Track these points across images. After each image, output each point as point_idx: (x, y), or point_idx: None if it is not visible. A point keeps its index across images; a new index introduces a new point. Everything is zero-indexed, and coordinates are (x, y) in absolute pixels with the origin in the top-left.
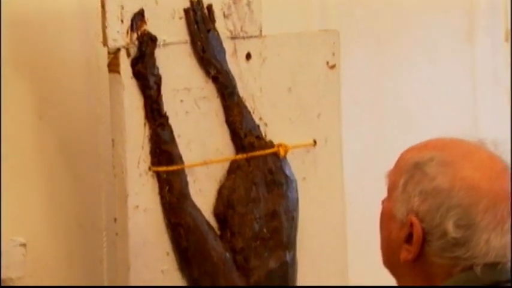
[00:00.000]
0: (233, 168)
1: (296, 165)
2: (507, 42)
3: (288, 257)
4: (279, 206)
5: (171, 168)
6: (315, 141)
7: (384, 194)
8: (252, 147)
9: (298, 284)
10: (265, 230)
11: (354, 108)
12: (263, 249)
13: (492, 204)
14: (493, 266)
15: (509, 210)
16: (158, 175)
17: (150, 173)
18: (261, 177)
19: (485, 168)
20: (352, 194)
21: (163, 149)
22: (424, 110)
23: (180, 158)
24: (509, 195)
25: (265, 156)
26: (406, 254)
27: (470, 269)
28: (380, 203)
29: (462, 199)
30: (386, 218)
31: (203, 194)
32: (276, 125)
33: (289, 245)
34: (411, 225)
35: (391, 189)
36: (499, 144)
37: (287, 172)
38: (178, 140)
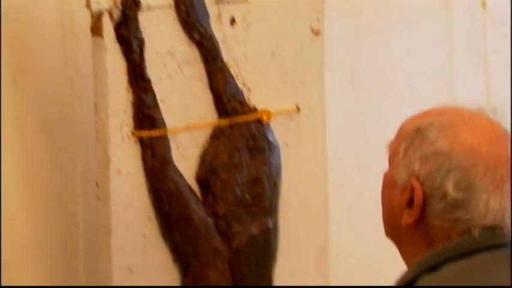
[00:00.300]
0: (216, 134)
1: (279, 132)
2: (484, 8)
3: (270, 223)
4: (261, 172)
5: (153, 133)
6: (298, 108)
7: (365, 160)
8: (235, 113)
9: (279, 249)
10: (247, 196)
11: (333, 75)
12: (245, 215)
13: (491, 167)
14: (491, 229)
15: (509, 173)
16: (141, 140)
17: (133, 137)
18: (243, 143)
19: (485, 132)
20: (334, 161)
21: (146, 114)
22: (401, 75)
23: (163, 122)
24: (509, 159)
25: (248, 122)
26: (407, 218)
27: (469, 232)
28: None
29: (462, 161)
30: (388, 186)
31: (186, 159)
32: (259, 91)
33: (271, 211)
34: (412, 189)
35: (392, 156)
36: (498, 111)
37: (270, 138)
38: (161, 105)
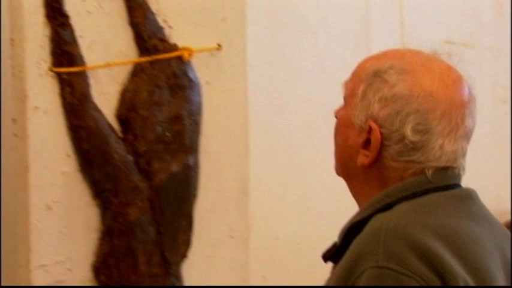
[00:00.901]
0: (136, 71)
1: (200, 69)
2: None
3: (191, 161)
4: (182, 110)
5: (72, 69)
6: (219, 45)
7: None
8: (156, 50)
9: (200, 186)
10: (167, 134)
11: (254, 13)
12: (165, 153)
13: (448, 111)
14: (443, 169)
15: (463, 117)
16: (59, 76)
17: (51, 73)
18: (164, 81)
19: (443, 76)
20: (255, 98)
21: (64, 50)
22: (316, 12)
23: (82, 59)
24: (464, 103)
25: (169, 60)
26: (363, 158)
27: (422, 173)
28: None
29: (421, 105)
30: (343, 125)
31: (105, 96)
32: (180, 28)
33: (192, 148)
34: (370, 130)
35: (349, 96)
36: (452, 55)
37: (191, 76)
38: (80, 41)
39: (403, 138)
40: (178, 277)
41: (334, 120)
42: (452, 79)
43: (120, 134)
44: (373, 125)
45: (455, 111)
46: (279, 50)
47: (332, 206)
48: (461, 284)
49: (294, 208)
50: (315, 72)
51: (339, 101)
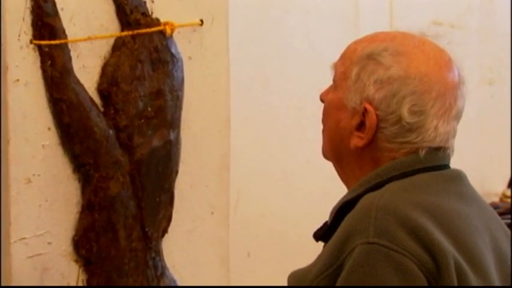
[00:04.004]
0: (118, 45)
1: (182, 44)
2: None
3: (172, 136)
4: (164, 85)
5: (53, 42)
6: (201, 21)
7: (268, 73)
8: (138, 25)
9: (181, 162)
10: (149, 108)
11: None
12: (147, 127)
13: (442, 92)
14: (436, 150)
15: (455, 98)
16: (40, 49)
17: (32, 46)
18: (146, 55)
19: (436, 58)
20: (237, 74)
21: (45, 22)
22: None
23: (63, 32)
24: (456, 85)
25: (151, 34)
26: (357, 140)
27: (414, 153)
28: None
29: (417, 86)
30: (334, 108)
31: (87, 70)
32: (163, 3)
33: (173, 123)
34: (364, 112)
35: (340, 79)
36: (440, 37)
37: (173, 51)
38: (61, 13)
39: (399, 119)
40: (158, 252)
41: (319, 102)
42: (445, 60)
43: (102, 108)
44: (369, 107)
45: (448, 93)
46: (266, 27)
47: (315, 184)
48: (451, 261)
49: (276, 185)
50: (302, 50)
51: (327, 80)
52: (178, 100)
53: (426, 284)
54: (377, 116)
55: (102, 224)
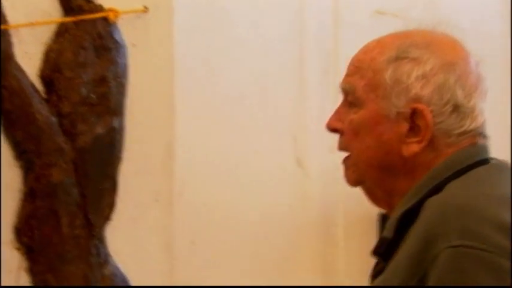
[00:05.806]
0: (61, 31)
1: (126, 31)
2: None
3: (116, 123)
4: (107, 72)
5: None
6: (146, 7)
7: (213, 60)
8: (81, 11)
9: (125, 149)
10: (93, 95)
11: None
12: (90, 114)
13: (478, 75)
14: (484, 137)
15: (479, 78)
16: None
17: None
18: (89, 42)
19: (454, 41)
20: (182, 61)
21: None
22: None
23: (4, 17)
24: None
25: (94, 20)
26: (414, 146)
27: (471, 144)
28: None
29: (459, 69)
30: (369, 124)
31: (28, 57)
32: None
33: (117, 111)
34: (412, 114)
35: (366, 92)
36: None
37: (117, 37)
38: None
39: (456, 107)
40: (101, 239)
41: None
42: (459, 41)
43: (44, 95)
44: (420, 106)
45: (481, 75)
46: (212, 14)
47: (259, 172)
48: None
49: (221, 173)
50: (248, 38)
51: (274, 68)
52: (122, 87)
53: None
54: (431, 112)
55: (45, 211)
